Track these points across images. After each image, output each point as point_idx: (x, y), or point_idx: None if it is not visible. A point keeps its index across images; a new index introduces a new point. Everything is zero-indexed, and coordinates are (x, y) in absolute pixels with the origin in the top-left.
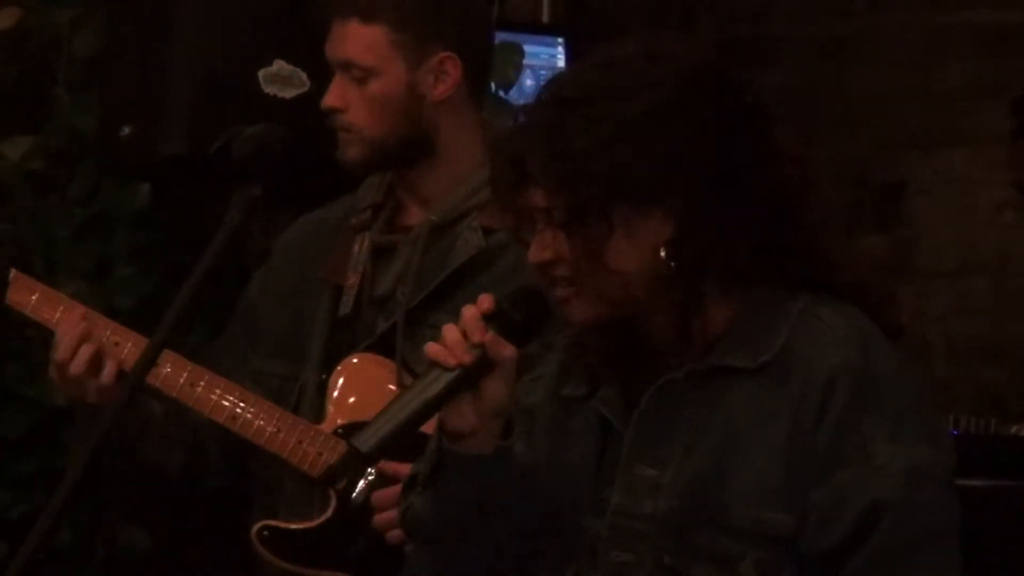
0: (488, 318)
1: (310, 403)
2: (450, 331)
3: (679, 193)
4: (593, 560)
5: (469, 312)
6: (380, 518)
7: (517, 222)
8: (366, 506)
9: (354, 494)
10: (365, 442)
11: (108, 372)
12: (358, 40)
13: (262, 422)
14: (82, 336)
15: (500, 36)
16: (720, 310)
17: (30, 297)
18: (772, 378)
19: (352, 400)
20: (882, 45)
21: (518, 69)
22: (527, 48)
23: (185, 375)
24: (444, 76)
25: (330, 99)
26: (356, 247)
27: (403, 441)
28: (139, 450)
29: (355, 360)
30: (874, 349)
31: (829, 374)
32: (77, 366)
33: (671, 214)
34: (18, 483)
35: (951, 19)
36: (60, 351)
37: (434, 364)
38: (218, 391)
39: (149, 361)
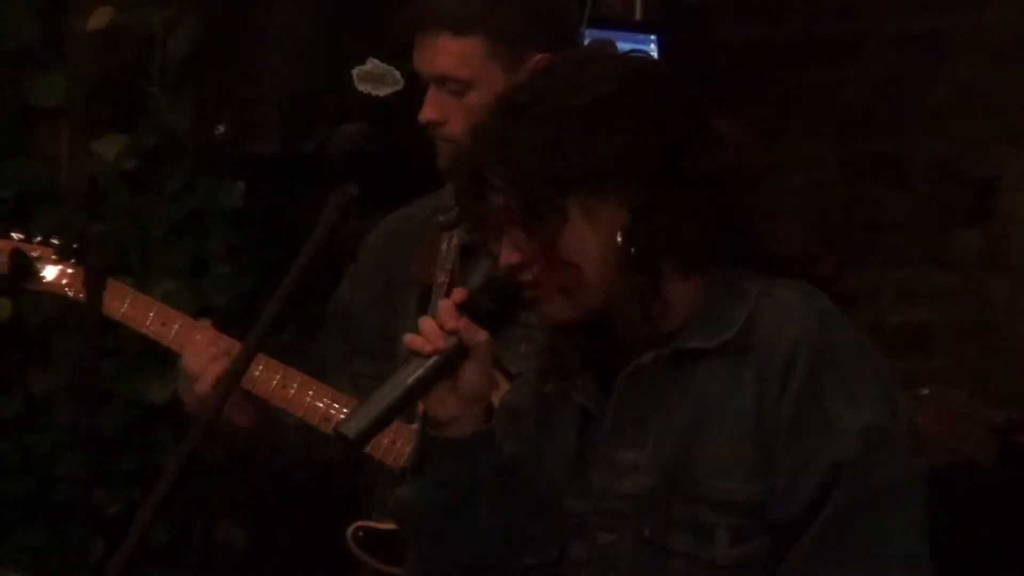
0: (461, 307)
1: None
2: (426, 322)
3: (630, 180)
4: (579, 540)
5: (443, 303)
6: None
7: (483, 233)
8: None
9: None
10: (350, 429)
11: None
12: (452, 54)
13: None
14: (213, 357)
15: (593, 33)
16: (681, 294)
17: (122, 303)
18: (735, 356)
19: None
20: (973, 40)
21: None
22: (620, 45)
23: (278, 377)
24: None
25: (428, 113)
26: (444, 245)
27: (386, 426)
28: (270, 463)
29: None
30: (829, 320)
31: (789, 347)
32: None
33: (625, 201)
34: (115, 481)
35: None
36: (193, 376)
37: (414, 354)
38: (311, 393)
39: (245, 363)
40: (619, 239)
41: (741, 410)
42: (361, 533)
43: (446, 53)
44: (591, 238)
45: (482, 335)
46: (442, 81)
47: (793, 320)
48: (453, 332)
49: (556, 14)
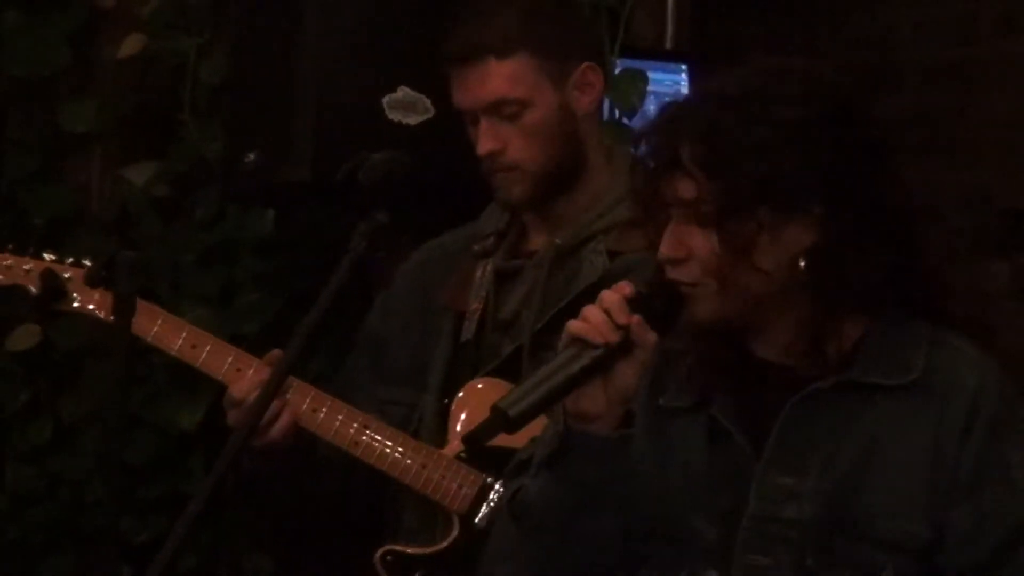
0: (630, 303)
1: (428, 428)
2: (593, 311)
3: (823, 204)
4: (719, 563)
5: (610, 296)
6: None
7: (648, 212)
8: (489, 530)
9: (477, 518)
10: (512, 407)
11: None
12: (502, 76)
13: (386, 447)
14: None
15: (624, 63)
16: (850, 327)
17: (152, 325)
18: (915, 397)
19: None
20: (1007, 70)
21: (642, 96)
22: (651, 75)
23: (308, 401)
24: (588, 87)
25: (487, 144)
26: (479, 273)
27: (544, 412)
28: (304, 483)
29: (479, 384)
30: (1004, 376)
31: (971, 395)
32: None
33: (812, 224)
34: (143, 508)
35: None
36: (236, 403)
37: (577, 341)
38: (340, 417)
39: (274, 387)
40: (801, 263)
41: (917, 451)
42: (389, 557)
43: (497, 77)
44: (772, 252)
45: (652, 335)
46: (496, 108)
47: (973, 368)
48: (623, 327)
49: (588, 23)
